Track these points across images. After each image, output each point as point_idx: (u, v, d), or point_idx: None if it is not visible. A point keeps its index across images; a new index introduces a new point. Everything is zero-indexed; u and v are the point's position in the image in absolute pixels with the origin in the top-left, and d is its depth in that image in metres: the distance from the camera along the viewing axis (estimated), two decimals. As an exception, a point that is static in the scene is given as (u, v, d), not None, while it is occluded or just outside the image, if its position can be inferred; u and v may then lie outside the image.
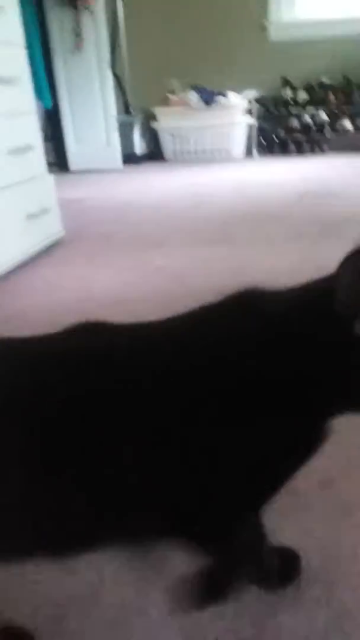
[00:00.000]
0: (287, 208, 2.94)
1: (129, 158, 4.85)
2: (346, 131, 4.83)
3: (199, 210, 3.06)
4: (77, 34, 4.47)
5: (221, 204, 3.17)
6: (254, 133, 4.95)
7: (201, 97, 4.82)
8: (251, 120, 4.90)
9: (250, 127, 4.94)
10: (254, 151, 4.99)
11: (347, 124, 4.81)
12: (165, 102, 5.00)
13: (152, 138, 5.11)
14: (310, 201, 3.07)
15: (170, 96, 5.00)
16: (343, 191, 3.27)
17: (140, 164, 4.89)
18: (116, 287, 1.92)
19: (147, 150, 5.09)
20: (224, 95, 4.81)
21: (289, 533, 0.79)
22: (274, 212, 2.84)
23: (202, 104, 4.80)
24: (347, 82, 4.86)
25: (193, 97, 4.83)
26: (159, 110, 4.96)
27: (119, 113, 4.84)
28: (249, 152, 5.00)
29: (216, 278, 1.91)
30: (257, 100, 4.90)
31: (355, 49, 4.83)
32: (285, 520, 0.79)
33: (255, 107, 4.88)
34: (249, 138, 4.98)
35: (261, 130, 5.00)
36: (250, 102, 4.85)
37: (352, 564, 0.77)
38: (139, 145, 4.96)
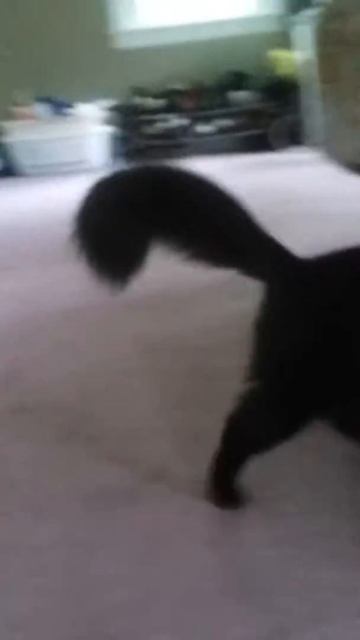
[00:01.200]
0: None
1: (-21, 176, 4.47)
2: (203, 135, 4.81)
3: (50, 229, 2.83)
4: None
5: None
6: (112, 142, 4.79)
7: (50, 108, 4.59)
8: (108, 130, 4.74)
9: (108, 136, 4.77)
10: (114, 161, 4.82)
11: (204, 127, 4.81)
12: (10, 115, 4.68)
13: (4, 153, 4.76)
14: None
15: (16, 108, 4.69)
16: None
17: (-7, 181, 4.53)
18: None
19: (0, 166, 4.73)
20: (72, 106, 4.60)
21: None
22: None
23: (50, 116, 4.57)
24: (198, 86, 4.86)
25: (40, 108, 4.58)
26: (8, 125, 4.63)
27: None
28: (109, 162, 4.82)
29: (67, 301, 1.79)
30: (113, 109, 4.76)
31: (203, 54, 4.86)
32: None
33: (111, 116, 4.72)
34: (109, 147, 4.81)
35: (120, 139, 4.85)
36: (105, 111, 4.69)
37: None
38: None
